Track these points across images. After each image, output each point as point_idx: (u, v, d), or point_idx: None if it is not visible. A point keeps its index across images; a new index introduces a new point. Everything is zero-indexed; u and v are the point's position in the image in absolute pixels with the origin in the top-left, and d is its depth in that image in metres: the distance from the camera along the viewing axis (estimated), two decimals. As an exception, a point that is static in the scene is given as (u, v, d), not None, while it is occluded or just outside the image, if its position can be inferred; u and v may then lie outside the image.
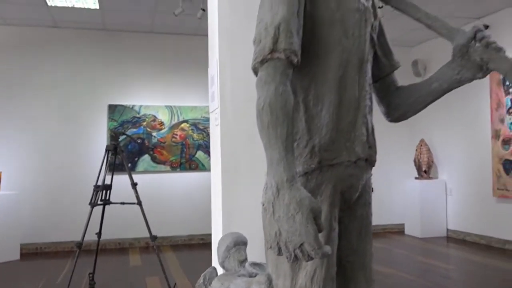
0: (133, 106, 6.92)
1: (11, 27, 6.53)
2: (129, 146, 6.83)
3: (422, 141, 7.43)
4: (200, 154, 7.17)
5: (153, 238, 4.19)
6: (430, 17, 1.37)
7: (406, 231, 7.50)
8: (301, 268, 1.21)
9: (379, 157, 6.26)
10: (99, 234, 4.33)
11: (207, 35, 2.44)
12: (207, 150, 7.09)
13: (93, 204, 4.07)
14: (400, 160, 7.90)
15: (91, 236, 5.68)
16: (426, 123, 7.53)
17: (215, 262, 2.14)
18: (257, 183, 1.71)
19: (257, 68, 1.17)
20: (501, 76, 6.11)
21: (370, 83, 1.37)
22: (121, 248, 6.68)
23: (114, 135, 4.14)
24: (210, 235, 6.63)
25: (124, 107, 6.88)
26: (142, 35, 7.03)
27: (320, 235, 1.24)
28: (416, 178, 7.44)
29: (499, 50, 1.25)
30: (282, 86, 1.12)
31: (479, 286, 4.47)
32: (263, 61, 1.15)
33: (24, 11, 5.93)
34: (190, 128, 7.15)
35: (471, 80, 1.34)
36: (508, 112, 6.06)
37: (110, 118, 6.81)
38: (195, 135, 7.17)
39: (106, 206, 4.31)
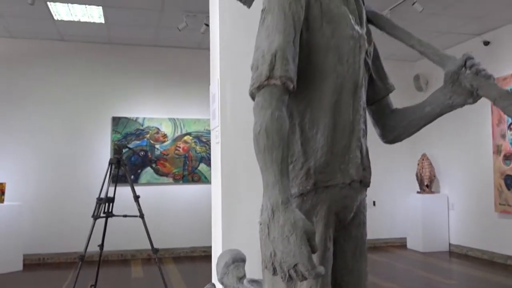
0: (137, 118, 6.99)
1: (18, 40, 6.64)
2: (132, 158, 6.88)
3: (424, 155, 7.45)
4: (202, 167, 7.21)
5: (155, 250, 4.22)
6: (422, 44, 1.41)
7: (408, 245, 7.48)
8: (297, 288, 1.24)
9: (381, 171, 6.30)
10: (101, 246, 4.37)
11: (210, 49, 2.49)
12: (209, 163, 7.11)
13: (95, 217, 4.11)
14: (402, 174, 7.91)
15: (93, 248, 5.72)
16: (428, 137, 7.56)
17: (214, 278, 2.17)
18: (256, 200, 1.75)
19: (254, 94, 1.21)
20: (502, 92, 6.15)
21: (365, 107, 1.41)
22: (123, 259, 6.70)
23: (117, 149, 4.20)
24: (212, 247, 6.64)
25: (128, 119, 6.95)
26: (146, 48, 7.12)
27: (315, 255, 1.28)
28: (418, 192, 7.45)
29: (489, 77, 1.29)
30: (278, 111, 1.16)
31: (480, 302, 4.46)
32: (260, 87, 1.19)
33: (30, 24, 6.03)
34: (193, 140, 7.21)
35: (462, 105, 1.39)
36: (509, 127, 6.08)
37: (114, 130, 6.88)
38: (198, 147, 7.22)
39: (109, 218, 4.34)
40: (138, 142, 6.97)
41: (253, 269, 1.94)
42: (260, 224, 1.12)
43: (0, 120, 6.49)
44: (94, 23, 5.99)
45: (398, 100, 7.24)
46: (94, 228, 4.08)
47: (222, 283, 1.79)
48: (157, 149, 7.06)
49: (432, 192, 7.32)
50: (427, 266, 6.14)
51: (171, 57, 7.21)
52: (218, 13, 2.21)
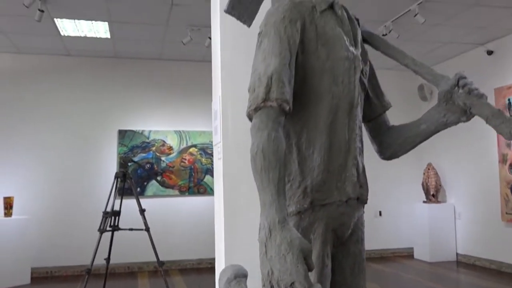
0: (143, 131, 7.05)
1: (26, 56, 6.75)
2: (138, 171, 6.93)
3: (429, 165, 7.44)
4: (208, 178, 7.24)
5: (161, 263, 4.25)
6: (416, 63, 1.44)
7: (415, 255, 7.44)
8: (295, 305, 1.26)
9: (387, 181, 6.30)
10: (107, 259, 4.40)
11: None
12: (215, 174, 7.16)
13: (102, 231, 4.15)
14: (408, 184, 7.90)
15: (100, 260, 5.75)
16: (433, 147, 7.55)
17: (217, 293, 2.19)
18: (258, 216, 1.78)
19: (252, 115, 1.25)
20: (507, 101, 6.15)
21: (360, 126, 1.44)
22: (130, 272, 6.72)
23: (123, 163, 4.25)
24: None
25: (133, 132, 7.01)
26: (151, 62, 7.20)
27: (313, 272, 1.31)
28: (424, 201, 7.43)
29: (481, 96, 1.32)
30: (274, 132, 1.19)
31: (487, 313, 4.43)
32: (256, 109, 1.23)
33: (38, 40, 6.14)
34: (198, 152, 7.25)
35: (456, 123, 1.41)
36: (514, 136, 6.06)
37: (120, 143, 6.94)
38: (203, 159, 7.26)
39: (115, 231, 4.39)
40: (144, 154, 7.02)
41: (255, 284, 1.96)
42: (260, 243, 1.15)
43: (8, 134, 6.58)
44: (100, 38, 6.08)
45: (402, 110, 7.29)
46: (101, 242, 4.12)
47: (224, 299, 1.81)
48: (163, 161, 7.11)
49: (438, 202, 7.30)
50: (434, 276, 6.10)
51: (176, 70, 7.28)
52: (219, 32, 2.26)
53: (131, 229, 4.32)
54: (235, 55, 2.22)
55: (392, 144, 1.57)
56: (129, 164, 5.16)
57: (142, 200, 6.67)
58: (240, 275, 1.83)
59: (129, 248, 6.65)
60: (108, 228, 4.20)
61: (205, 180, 7.23)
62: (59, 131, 6.77)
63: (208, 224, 7.02)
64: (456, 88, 1.35)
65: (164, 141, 7.14)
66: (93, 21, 5.49)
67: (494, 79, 6.45)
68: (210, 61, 2.52)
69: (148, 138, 7.07)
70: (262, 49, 1.29)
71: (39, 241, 6.45)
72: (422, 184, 7.49)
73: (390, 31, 5.65)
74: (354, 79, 1.40)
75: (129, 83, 7.11)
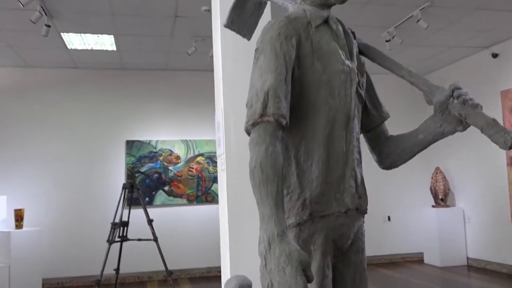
0: (150, 141, 7.11)
1: (33, 69, 6.85)
2: (146, 181, 6.98)
3: (437, 169, 7.41)
4: (216, 187, 7.27)
5: (169, 273, 4.28)
6: (412, 74, 1.46)
7: (426, 260, 7.40)
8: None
9: (395, 186, 6.29)
10: (117, 270, 4.44)
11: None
12: (222, 183, 7.19)
13: (110, 241, 4.19)
14: (416, 188, 7.87)
15: (110, 271, 5.80)
16: (441, 151, 7.52)
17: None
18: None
19: (249, 130, 1.28)
20: (513, 103, 6.12)
21: (358, 137, 1.47)
22: (140, 281, 6.76)
23: (130, 174, 4.29)
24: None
25: (141, 142, 7.08)
26: (157, 72, 7.28)
27: (314, 282, 1.32)
28: (433, 206, 7.39)
29: (476, 106, 1.33)
30: (271, 146, 1.22)
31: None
32: (254, 124, 1.26)
33: (45, 54, 6.23)
34: (205, 161, 7.29)
35: (453, 132, 1.43)
36: (522, 139, 6.03)
37: (128, 153, 7.00)
38: (210, 168, 7.30)
39: (124, 241, 4.43)
40: (151, 164, 7.08)
41: (260, 294, 1.98)
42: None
43: (17, 147, 6.67)
44: (106, 50, 6.17)
45: (409, 114, 7.29)
46: (110, 252, 4.16)
47: (229, 309, 1.83)
48: (171, 170, 7.16)
49: (447, 206, 7.26)
50: (445, 281, 6.06)
51: (182, 80, 7.35)
52: (220, 45, 2.30)
53: (139, 240, 4.36)
54: (236, 67, 2.25)
55: (391, 154, 1.59)
56: (136, 175, 5.21)
57: (150, 210, 6.75)
58: (244, 286, 1.85)
59: (139, 258, 6.70)
60: (116, 239, 4.25)
61: (212, 188, 7.26)
62: (67, 143, 6.85)
63: (216, 232, 7.05)
64: (451, 98, 1.37)
65: (171, 150, 7.19)
66: (99, 35, 5.57)
67: (500, 82, 6.43)
68: (215, 71, 2.56)
69: (155, 148, 7.12)
70: (259, 65, 1.32)
71: (50, 252, 6.52)
72: (430, 189, 7.46)
73: (393, 36, 5.66)
74: (351, 92, 1.42)
75: (136, 94, 7.19)
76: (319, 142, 1.36)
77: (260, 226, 1.19)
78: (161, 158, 7.14)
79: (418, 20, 5.11)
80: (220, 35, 2.30)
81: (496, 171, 6.51)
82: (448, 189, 7.31)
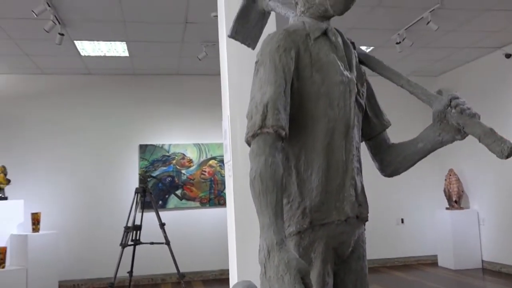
0: (163, 145, 7.19)
1: (48, 76, 6.99)
2: (159, 184, 7.06)
3: (451, 170, 7.35)
4: (228, 190, 7.31)
5: (181, 276, 4.33)
6: (411, 84, 1.48)
7: (440, 263, 7.34)
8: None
9: (408, 188, 6.28)
10: (130, 272, 4.51)
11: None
12: (235, 186, 7.23)
13: (123, 245, 4.26)
14: (430, 190, 7.82)
15: (124, 273, 5.88)
16: (454, 152, 7.46)
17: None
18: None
19: (250, 141, 1.31)
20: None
21: (358, 146, 1.49)
22: (154, 284, 6.83)
23: (142, 178, 4.36)
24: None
25: (154, 146, 7.16)
26: (168, 77, 7.36)
27: (314, 290, 1.35)
28: (447, 208, 7.33)
29: (473, 115, 1.35)
30: (271, 157, 1.25)
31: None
32: (254, 135, 1.29)
33: (59, 61, 6.36)
34: (218, 164, 7.34)
35: (451, 141, 1.44)
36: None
37: (141, 157, 7.10)
38: (223, 171, 7.35)
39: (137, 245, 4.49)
40: (164, 168, 7.16)
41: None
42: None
43: (34, 151, 6.81)
44: (119, 56, 6.27)
45: (422, 116, 7.23)
46: (124, 255, 4.23)
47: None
48: (184, 174, 7.23)
49: (461, 208, 7.20)
50: (459, 284, 6.01)
51: (193, 84, 7.42)
52: (226, 54, 2.34)
53: (152, 243, 4.42)
54: (242, 75, 2.29)
55: (392, 161, 1.61)
56: (148, 179, 5.28)
57: (163, 213, 6.83)
58: (250, 291, 1.89)
59: (152, 260, 6.77)
60: (130, 242, 4.31)
61: (225, 191, 7.31)
62: (82, 147, 6.97)
63: (229, 236, 7.09)
64: (449, 108, 1.38)
65: (184, 154, 7.26)
66: (112, 42, 5.66)
67: (514, 82, 6.36)
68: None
69: (168, 152, 7.20)
70: (259, 77, 1.36)
71: (66, 255, 6.64)
72: (444, 191, 7.40)
73: (403, 39, 5.65)
74: (350, 102, 1.45)
75: (148, 98, 7.28)
76: (319, 152, 1.39)
77: (260, 235, 1.22)
78: (174, 161, 7.21)
79: (428, 22, 5.09)
80: (226, 44, 2.34)
81: (510, 172, 6.44)
82: (462, 191, 7.25)
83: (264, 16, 1.93)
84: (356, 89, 1.48)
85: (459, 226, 7.03)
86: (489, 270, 6.80)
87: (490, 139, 1.28)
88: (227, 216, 2.45)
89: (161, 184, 7.06)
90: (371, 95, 1.64)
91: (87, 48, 5.85)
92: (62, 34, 4.98)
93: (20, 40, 5.47)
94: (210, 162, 7.34)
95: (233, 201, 2.27)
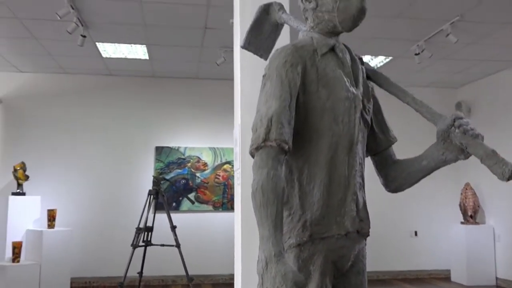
0: (179, 147, 7.27)
1: (70, 75, 7.15)
2: (173, 187, 7.13)
3: (467, 184, 7.25)
4: (241, 195, 7.34)
5: (190, 279, 4.37)
6: (417, 102, 1.49)
7: (452, 278, 7.23)
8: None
9: (423, 201, 6.22)
10: (140, 273, 4.57)
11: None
12: (248, 191, 7.25)
13: (134, 246, 4.32)
14: (445, 204, 7.72)
15: (134, 274, 5.95)
16: (471, 166, 7.36)
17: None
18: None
19: (253, 153, 1.34)
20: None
21: (361, 162, 1.50)
22: (164, 285, 6.89)
23: (156, 181, 4.42)
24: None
25: (170, 148, 7.24)
26: (187, 81, 7.45)
27: (312, 302, 1.37)
28: (462, 223, 7.23)
29: (476, 136, 1.35)
30: (273, 170, 1.28)
31: None
32: (258, 148, 1.32)
33: (81, 62, 6.50)
34: (232, 169, 7.38)
35: (455, 160, 1.45)
36: (555, 157, 5.84)
37: (157, 159, 7.18)
38: (237, 176, 7.38)
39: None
40: (179, 170, 7.23)
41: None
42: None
43: (53, 149, 6.96)
44: (139, 59, 6.37)
45: (429, 130, 7.03)
46: (135, 255, 4.29)
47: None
48: (198, 177, 7.29)
49: (476, 223, 7.09)
50: (471, 300, 5.91)
51: (211, 88, 7.49)
52: (240, 65, 2.38)
53: (162, 245, 4.48)
54: (254, 86, 2.32)
55: (397, 177, 1.61)
56: (162, 182, 5.34)
57: (177, 215, 6.89)
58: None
59: (163, 262, 6.84)
60: (141, 243, 4.37)
61: (238, 196, 7.34)
62: (100, 146, 7.09)
63: (240, 240, 7.11)
64: (453, 128, 1.39)
65: (199, 157, 7.32)
66: (132, 44, 5.76)
67: (535, 97, 6.25)
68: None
69: (183, 155, 7.27)
70: (265, 91, 1.39)
71: (79, 252, 6.74)
72: (460, 205, 7.30)
73: (422, 50, 5.61)
74: (354, 118, 1.46)
75: (166, 101, 7.37)
76: (322, 166, 1.41)
77: (259, 246, 1.25)
78: (189, 164, 7.28)
79: (448, 34, 5.05)
80: (239, 53, 2.38)
81: (528, 189, 6.32)
82: (478, 206, 7.14)
83: (277, 28, 1.95)
84: (362, 105, 1.50)
85: (473, 241, 6.92)
86: (503, 288, 6.68)
87: (492, 160, 1.28)
88: (234, 222, 2.48)
89: (175, 186, 7.13)
90: (378, 111, 1.65)
91: (109, 50, 5.97)
92: (84, 36, 5.09)
93: (44, 40, 5.61)
94: (225, 166, 7.39)
95: (240, 209, 2.30)
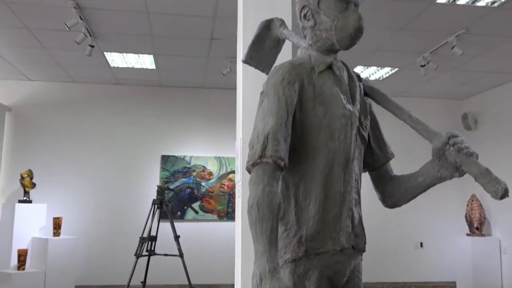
0: (184, 156, 7.30)
1: (78, 84, 7.23)
2: (178, 196, 7.16)
3: (473, 196, 7.20)
4: (246, 204, 7.35)
5: (193, 289, 4.37)
6: (413, 119, 1.51)
7: (458, 290, 7.17)
8: None
9: (429, 212, 6.19)
10: (143, 283, 4.58)
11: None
12: (253, 200, 7.26)
13: (138, 255, 4.34)
14: (451, 215, 7.67)
15: (138, 283, 5.96)
16: (477, 177, 7.30)
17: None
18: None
19: (250, 169, 1.36)
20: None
21: (357, 178, 1.51)
22: (168, 294, 6.90)
23: (160, 190, 4.45)
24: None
25: (176, 157, 7.28)
26: (193, 90, 7.50)
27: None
28: (467, 234, 7.17)
29: (470, 155, 1.36)
30: (269, 187, 1.30)
31: None
32: (254, 164, 1.34)
33: (90, 71, 6.58)
34: (237, 178, 7.40)
35: (450, 178, 1.46)
36: (562, 170, 5.80)
37: (163, 168, 7.22)
38: (242, 185, 7.39)
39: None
40: (185, 179, 7.26)
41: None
42: None
43: (60, 157, 7.02)
44: (146, 69, 6.44)
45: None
46: (138, 264, 4.31)
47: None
48: (203, 186, 7.31)
49: (482, 235, 7.03)
50: (476, 314, 5.85)
51: (217, 98, 7.53)
52: (242, 76, 2.41)
53: (166, 255, 4.49)
54: (256, 101, 2.34)
55: (394, 193, 1.62)
56: (166, 192, 5.37)
57: (181, 224, 6.91)
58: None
59: (167, 271, 6.84)
60: (144, 253, 4.39)
61: (243, 205, 7.35)
62: (106, 155, 7.15)
63: (244, 250, 7.10)
64: (447, 145, 1.40)
65: (204, 166, 7.35)
66: (140, 54, 5.83)
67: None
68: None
69: (189, 164, 7.31)
70: (262, 108, 1.41)
71: (84, 260, 6.77)
72: (466, 216, 7.25)
73: (428, 62, 5.62)
74: (351, 135, 1.48)
75: (173, 110, 7.43)
76: (318, 182, 1.42)
77: (254, 261, 1.26)
78: (194, 173, 7.31)
79: (453, 47, 5.06)
80: (242, 67, 2.41)
81: (535, 202, 6.26)
82: (484, 218, 7.09)
83: (278, 43, 1.97)
84: (359, 122, 1.51)
85: (479, 253, 6.86)
86: (510, 301, 6.60)
87: (485, 179, 1.29)
88: (235, 234, 2.49)
89: (179, 196, 7.16)
90: (375, 127, 1.66)
91: (116, 59, 6.04)
92: (93, 46, 5.16)
93: (53, 50, 5.70)
94: (230, 175, 7.41)
95: (241, 221, 2.31)
